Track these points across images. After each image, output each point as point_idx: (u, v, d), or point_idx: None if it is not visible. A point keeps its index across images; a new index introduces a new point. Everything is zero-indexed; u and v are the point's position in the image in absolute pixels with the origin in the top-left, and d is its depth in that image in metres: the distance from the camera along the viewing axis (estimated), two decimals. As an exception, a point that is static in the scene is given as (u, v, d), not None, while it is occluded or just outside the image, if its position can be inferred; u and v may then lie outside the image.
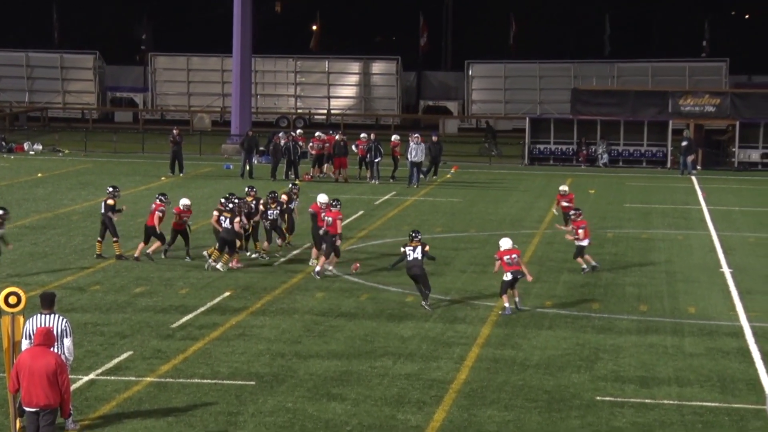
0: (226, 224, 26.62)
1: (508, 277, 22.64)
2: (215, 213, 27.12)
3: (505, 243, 22.87)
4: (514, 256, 22.74)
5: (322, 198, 27.21)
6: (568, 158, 54.46)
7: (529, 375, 18.49)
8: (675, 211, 38.71)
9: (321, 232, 26.27)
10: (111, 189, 28.41)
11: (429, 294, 23.03)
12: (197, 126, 69.24)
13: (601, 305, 23.70)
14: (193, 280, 25.46)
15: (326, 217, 26.13)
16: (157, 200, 27.96)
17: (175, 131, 47.83)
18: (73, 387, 16.84)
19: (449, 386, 17.81)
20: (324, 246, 26.18)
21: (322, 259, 26.08)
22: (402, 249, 23.25)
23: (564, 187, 32.00)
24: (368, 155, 45.09)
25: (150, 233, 27.70)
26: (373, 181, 44.50)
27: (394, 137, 47.51)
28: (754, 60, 78.88)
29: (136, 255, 27.58)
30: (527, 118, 56.99)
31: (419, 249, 22.84)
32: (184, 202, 28.00)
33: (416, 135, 44.91)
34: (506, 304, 22.77)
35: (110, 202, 27.93)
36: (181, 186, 42.08)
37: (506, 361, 19.24)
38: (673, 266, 28.32)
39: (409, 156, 44.01)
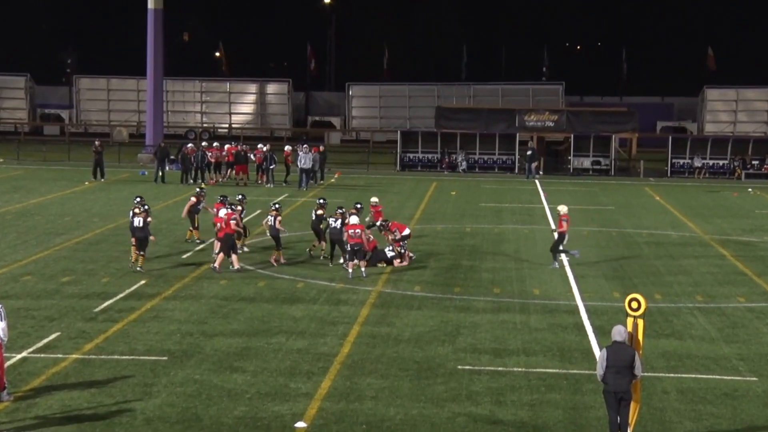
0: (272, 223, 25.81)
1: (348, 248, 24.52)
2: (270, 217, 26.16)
3: (354, 219, 25.08)
4: (357, 231, 24.57)
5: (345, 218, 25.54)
6: (433, 165, 54.76)
7: (402, 348, 18.51)
8: (522, 209, 39.19)
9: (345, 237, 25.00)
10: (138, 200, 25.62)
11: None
12: (116, 138, 67.96)
13: (462, 288, 23.86)
14: (113, 270, 24.95)
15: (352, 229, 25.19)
16: (229, 209, 25.04)
17: (97, 142, 47.01)
18: (7, 364, 16.38)
19: (334, 359, 17.75)
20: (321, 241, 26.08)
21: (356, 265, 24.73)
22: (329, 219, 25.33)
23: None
24: (264, 163, 44.88)
25: (230, 242, 24.63)
26: (269, 185, 44.24)
27: (287, 147, 47.26)
28: (585, 83, 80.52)
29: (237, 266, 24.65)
30: (399, 132, 57.19)
31: (340, 221, 25.01)
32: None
33: (305, 145, 44.87)
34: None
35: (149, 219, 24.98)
36: (102, 190, 41.29)
37: (382, 337, 19.24)
38: (520, 255, 28.65)
39: (299, 163, 43.93)
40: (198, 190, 29.91)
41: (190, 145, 46.94)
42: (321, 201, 27.58)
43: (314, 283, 24.01)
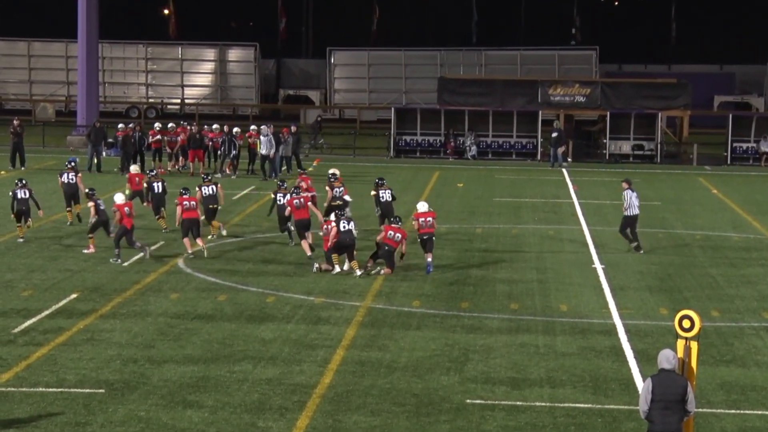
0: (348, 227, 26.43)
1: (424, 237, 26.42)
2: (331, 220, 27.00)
3: (422, 206, 27.04)
4: (429, 219, 26.78)
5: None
6: (435, 150, 54.89)
7: (397, 378, 18.57)
8: (545, 205, 39.27)
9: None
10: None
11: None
12: (40, 116, 67.93)
13: (471, 304, 23.92)
14: (37, 281, 24.97)
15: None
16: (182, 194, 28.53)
17: (15, 122, 47.00)
18: None
19: (313, 391, 17.79)
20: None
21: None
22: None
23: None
24: (222, 147, 44.92)
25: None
26: (231, 176, 44.20)
27: (252, 127, 47.31)
28: (624, 48, 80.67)
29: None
30: (392, 109, 57.26)
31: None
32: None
33: (264, 126, 45.08)
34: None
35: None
36: (32, 180, 41.11)
37: (372, 364, 19.29)
38: (544, 262, 28.72)
39: (260, 150, 44.09)
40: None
41: (131, 124, 47.00)
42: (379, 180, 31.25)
43: (288, 297, 24.06)
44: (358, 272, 26.12)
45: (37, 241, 29.77)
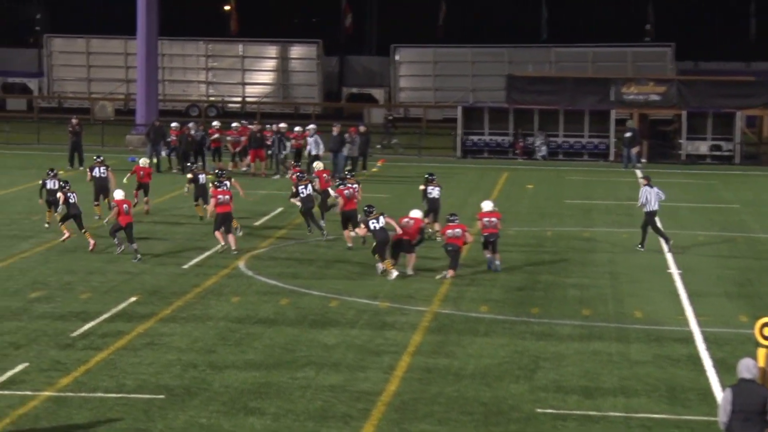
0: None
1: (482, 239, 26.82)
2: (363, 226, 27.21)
3: (486, 205, 27.49)
4: (493, 219, 27.15)
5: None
6: (503, 150, 54.74)
7: (464, 386, 18.51)
8: (618, 207, 39.04)
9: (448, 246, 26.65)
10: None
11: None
12: (99, 115, 68.61)
13: (541, 310, 23.82)
14: (95, 284, 25.19)
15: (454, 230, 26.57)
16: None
17: (74, 120, 47.47)
18: (-37, 403, 16.57)
19: (378, 398, 17.78)
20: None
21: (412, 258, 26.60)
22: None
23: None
24: (273, 147, 45.04)
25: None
26: (276, 176, 44.39)
27: (296, 129, 47.20)
28: (701, 45, 79.95)
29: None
30: (459, 108, 57.18)
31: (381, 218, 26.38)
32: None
33: (311, 126, 45.26)
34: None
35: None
36: (81, 180, 41.51)
37: (439, 371, 19.25)
38: (617, 267, 28.55)
39: (311, 150, 44.33)
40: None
41: (191, 123, 47.30)
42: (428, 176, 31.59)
43: (352, 301, 24.08)
44: (394, 273, 26.15)
45: (96, 241, 29.99)
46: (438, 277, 26.32)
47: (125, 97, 73.52)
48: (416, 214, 27.33)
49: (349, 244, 29.30)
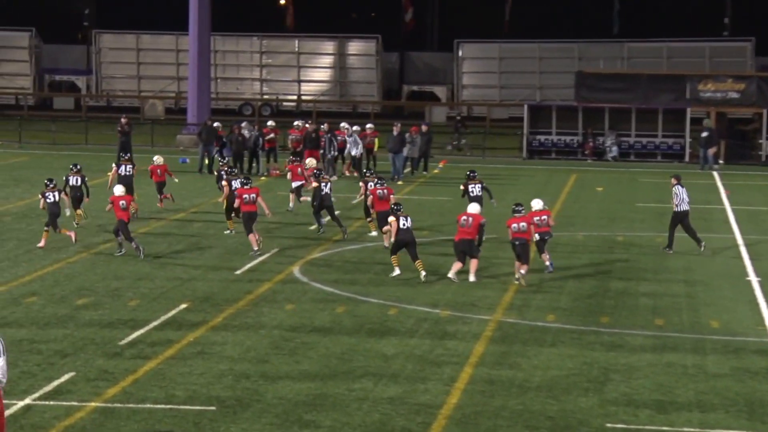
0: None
1: (536, 237, 26.79)
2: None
3: (536, 204, 27.65)
4: (543, 217, 27.39)
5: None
6: (572, 151, 54.58)
7: (530, 399, 18.46)
8: (694, 211, 38.70)
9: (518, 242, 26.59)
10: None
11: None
12: (148, 114, 69.11)
13: (612, 319, 23.71)
14: (144, 290, 25.36)
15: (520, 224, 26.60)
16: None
17: (123, 120, 47.84)
18: (7, 413, 16.71)
19: (438, 411, 17.76)
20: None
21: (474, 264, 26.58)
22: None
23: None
24: (325, 148, 45.08)
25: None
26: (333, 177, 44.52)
27: (368, 126, 47.45)
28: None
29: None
30: (525, 106, 57.10)
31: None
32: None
33: (346, 126, 45.36)
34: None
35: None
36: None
37: (503, 383, 19.21)
38: (692, 274, 28.36)
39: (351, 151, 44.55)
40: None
41: (244, 123, 47.50)
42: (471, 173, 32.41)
43: (411, 309, 24.08)
44: (397, 271, 26.76)
45: (145, 246, 30.20)
46: (517, 278, 26.22)
47: (176, 96, 74.00)
48: (475, 209, 27.13)
49: (386, 244, 29.40)
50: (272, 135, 46.70)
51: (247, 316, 23.36)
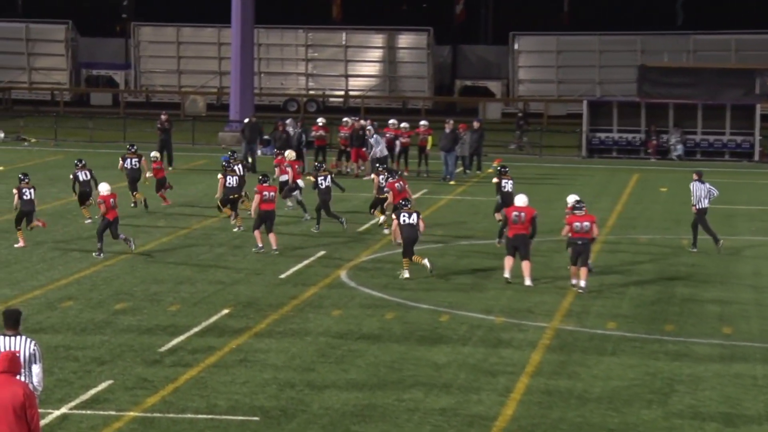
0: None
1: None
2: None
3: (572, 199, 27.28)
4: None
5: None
6: (634, 149, 54.38)
7: (590, 410, 18.42)
8: (764, 213, 38.58)
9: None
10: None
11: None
12: (189, 110, 69.41)
13: (676, 327, 23.62)
14: (185, 295, 25.48)
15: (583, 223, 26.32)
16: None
17: (163, 116, 47.97)
18: (43, 422, 16.83)
19: (493, 423, 17.76)
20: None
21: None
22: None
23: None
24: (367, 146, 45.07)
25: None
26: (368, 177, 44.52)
27: (422, 123, 47.47)
28: None
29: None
30: (584, 102, 56.93)
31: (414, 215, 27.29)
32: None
33: (368, 123, 45.34)
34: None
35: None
36: (171, 182, 42.08)
37: (561, 394, 19.18)
38: (762, 280, 28.22)
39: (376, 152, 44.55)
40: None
41: (288, 120, 47.57)
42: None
43: (464, 316, 24.07)
44: (406, 274, 27.13)
45: (185, 249, 30.37)
46: (574, 284, 26.15)
47: (218, 91, 74.30)
48: (523, 200, 27.03)
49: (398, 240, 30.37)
50: (321, 133, 46.68)
51: (292, 322, 23.42)
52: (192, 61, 76.47)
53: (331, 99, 75.06)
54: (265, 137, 49.92)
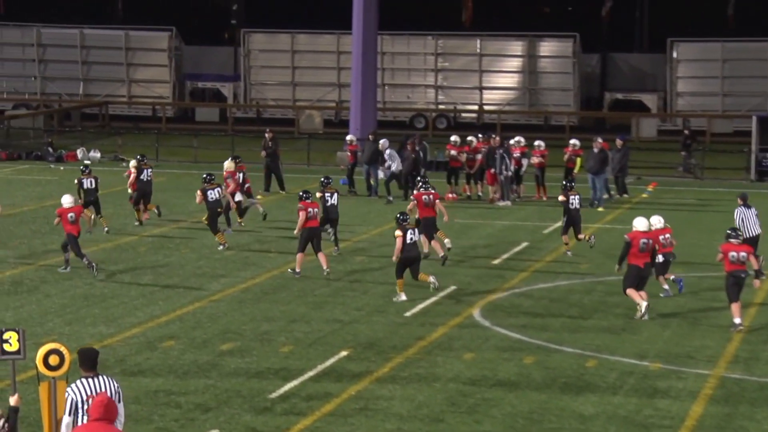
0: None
1: (659, 259, 27.43)
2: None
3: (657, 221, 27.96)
4: (667, 236, 28.08)
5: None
6: (813, 173, 53.74)
7: (758, 471, 18.19)
8: None
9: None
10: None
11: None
12: (304, 127, 69.90)
13: None
14: (299, 334, 25.61)
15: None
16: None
17: (267, 135, 47.80)
18: (140, 476, 17.04)
19: (647, 485, 17.61)
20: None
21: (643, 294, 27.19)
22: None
23: None
24: (494, 166, 44.90)
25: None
26: (503, 202, 44.28)
27: (573, 142, 47.22)
28: None
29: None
30: (754, 117, 56.30)
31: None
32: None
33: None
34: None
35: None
36: (281, 208, 42.41)
37: (726, 452, 18.97)
38: None
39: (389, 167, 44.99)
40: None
41: (382, 140, 47.11)
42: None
43: (614, 361, 23.92)
44: (402, 297, 28.39)
45: (298, 283, 30.53)
46: (736, 324, 25.96)
47: (336, 106, 74.70)
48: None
49: (441, 253, 31.76)
50: (455, 152, 46.49)
51: (419, 366, 23.43)
52: (308, 72, 76.87)
53: (464, 114, 75.07)
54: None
